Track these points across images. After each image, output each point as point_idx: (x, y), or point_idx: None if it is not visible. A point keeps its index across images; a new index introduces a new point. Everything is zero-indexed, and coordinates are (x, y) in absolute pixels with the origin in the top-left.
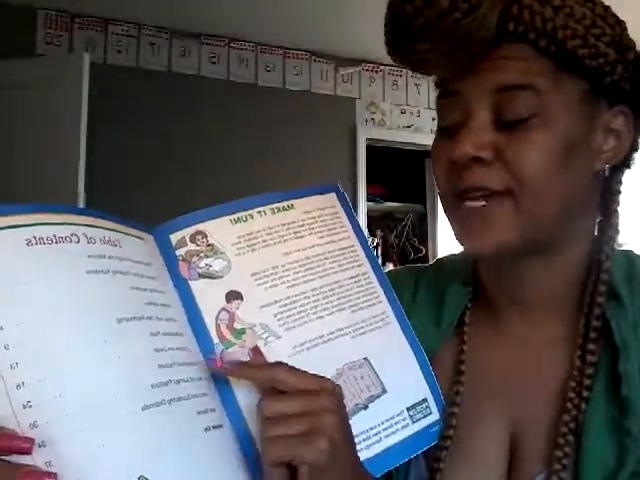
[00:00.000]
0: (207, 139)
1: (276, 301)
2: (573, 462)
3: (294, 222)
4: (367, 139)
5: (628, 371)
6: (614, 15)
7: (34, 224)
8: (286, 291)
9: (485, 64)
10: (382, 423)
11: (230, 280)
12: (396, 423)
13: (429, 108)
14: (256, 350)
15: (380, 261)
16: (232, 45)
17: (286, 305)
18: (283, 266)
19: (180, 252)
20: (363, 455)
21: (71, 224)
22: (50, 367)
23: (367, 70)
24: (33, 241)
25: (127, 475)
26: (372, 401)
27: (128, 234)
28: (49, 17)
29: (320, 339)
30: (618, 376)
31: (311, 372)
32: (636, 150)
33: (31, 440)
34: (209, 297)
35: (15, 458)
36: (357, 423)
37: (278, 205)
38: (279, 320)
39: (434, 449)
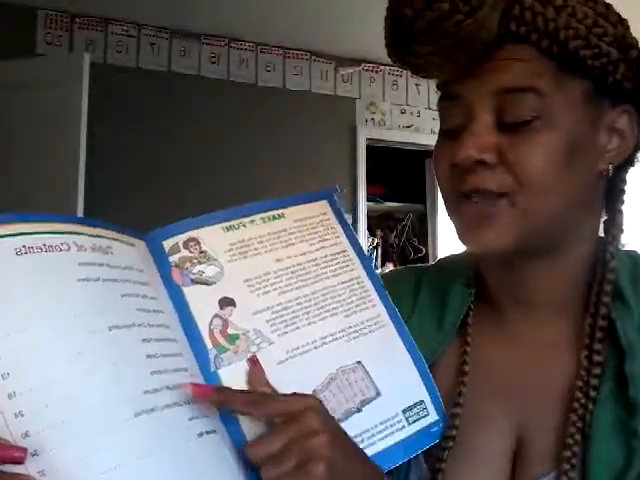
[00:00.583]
0: (207, 139)
1: (268, 307)
2: (580, 462)
3: (284, 230)
4: (367, 139)
5: (635, 373)
6: (616, 13)
7: (23, 233)
8: (278, 297)
9: (487, 66)
10: (376, 426)
11: (223, 286)
12: (391, 425)
13: (429, 108)
14: (253, 359)
15: (380, 261)
16: (232, 45)
17: (278, 311)
18: (275, 273)
19: (173, 258)
20: None
21: (61, 232)
22: (41, 376)
23: (367, 70)
24: (22, 250)
25: None
26: (366, 404)
27: (119, 240)
28: (49, 17)
29: (313, 344)
30: (625, 378)
31: (304, 377)
32: None
33: (24, 449)
34: (202, 303)
35: (8, 468)
36: (350, 426)
37: (269, 214)
38: (272, 326)
39: (436, 449)
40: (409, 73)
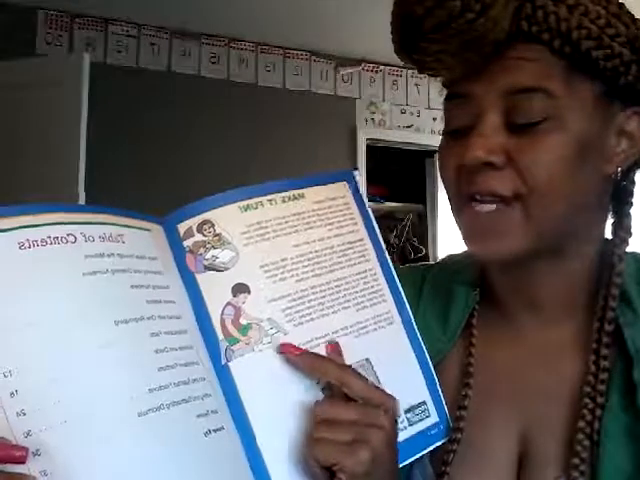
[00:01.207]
0: (207, 139)
1: (285, 295)
2: (589, 468)
3: (304, 212)
4: (367, 139)
5: None
6: (629, 13)
7: (27, 226)
8: (295, 285)
9: (497, 65)
10: None
11: (237, 272)
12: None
13: (429, 108)
14: (335, 347)
15: None
16: (232, 45)
17: (295, 300)
18: (292, 258)
19: (187, 243)
20: None
21: (67, 223)
22: (44, 375)
23: (367, 70)
24: (26, 244)
25: None
26: None
27: (133, 227)
28: (49, 17)
29: (325, 337)
30: (633, 384)
31: None
32: None
33: (25, 449)
34: (215, 291)
35: (10, 468)
36: None
37: (289, 194)
38: (287, 315)
39: (441, 452)
40: (409, 73)
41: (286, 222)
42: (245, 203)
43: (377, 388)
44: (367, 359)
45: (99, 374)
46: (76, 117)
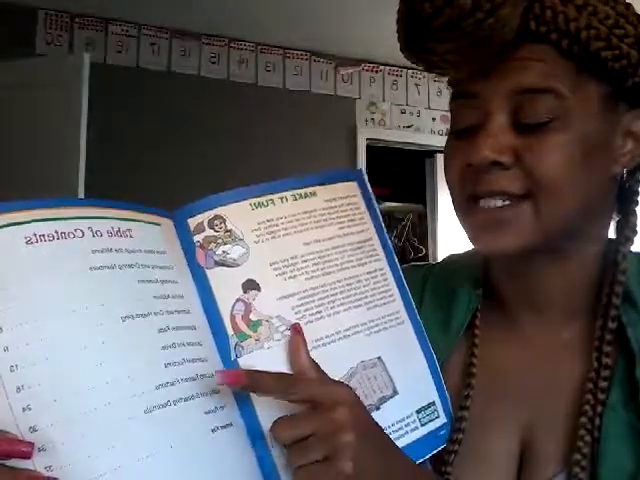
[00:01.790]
0: (207, 139)
1: (295, 293)
2: (590, 464)
3: (315, 210)
4: (367, 139)
5: None
6: (636, 14)
7: (34, 220)
8: (305, 283)
9: (505, 65)
10: (392, 425)
11: (247, 269)
12: (406, 425)
13: (429, 108)
14: (296, 328)
15: None
16: (232, 45)
17: (305, 298)
18: (302, 256)
19: (198, 238)
20: None
21: (75, 218)
22: (50, 370)
23: (367, 70)
24: (33, 239)
25: None
26: (384, 402)
27: (142, 221)
28: (49, 17)
29: (337, 335)
30: (635, 382)
31: (325, 370)
32: None
33: (31, 444)
34: (225, 286)
35: (15, 462)
36: None
37: (300, 191)
38: (297, 313)
39: (442, 453)
40: (409, 73)
41: (297, 220)
42: (256, 200)
43: (328, 380)
44: (379, 357)
45: (105, 370)
46: (76, 117)
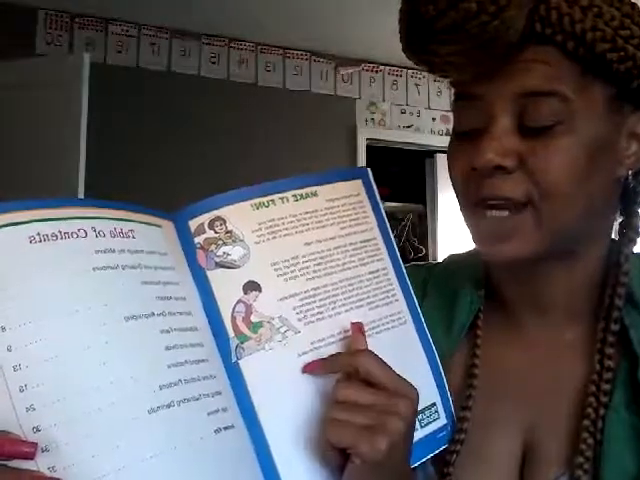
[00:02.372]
0: (207, 139)
1: (296, 293)
2: (593, 467)
3: (317, 211)
4: (367, 139)
5: None
6: None
7: (37, 220)
8: (306, 283)
9: (509, 67)
10: None
11: (248, 270)
12: None
13: (429, 108)
14: (358, 326)
15: None
16: (232, 45)
17: (306, 298)
18: (304, 257)
19: (198, 239)
20: None
21: (78, 218)
22: (54, 369)
23: (367, 70)
24: (36, 238)
25: None
26: None
27: (144, 222)
28: (49, 17)
29: (337, 336)
30: (638, 385)
31: None
32: None
33: (34, 444)
34: (226, 288)
35: (18, 463)
36: None
37: (301, 191)
38: (298, 314)
39: (444, 454)
40: (409, 73)
41: (298, 220)
42: (257, 201)
43: (399, 377)
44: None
45: (109, 370)
46: (76, 117)
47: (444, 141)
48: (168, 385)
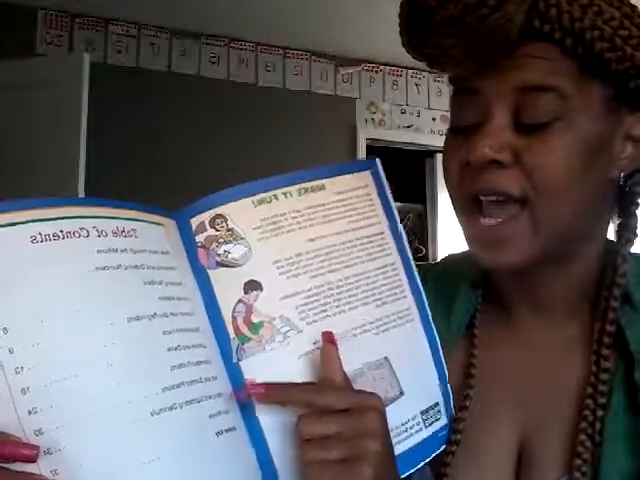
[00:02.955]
0: (207, 139)
1: (299, 292)
2: (591, 469)
3: (322, 205)
4: (367, 139)
5: None
6: None
7: (39, 220)
8: (310, 281)
9: (507, 62)
10: (397, 427)
11: (249, 268)
12: (411, 428)
13: (429, 108)
14: (329, 336)
15: None
16: (232, 45)
17: (309, 297)
18: (308, 253)
19: (200, 238)
20: None
21: (80, 217)
22: (56, 371)
23: (367, 70)
24: (38, 238)
25: None
26: (389, 404)
27: (146, 221)
28: (49, 17)
29: (342, 335)
30: (635, 385)
31: None
32: None
33: (36, 447)
34: (227, 287)
35: (20, 466)
36: None
37: (306, 185)
38: (301, 313)
39: (440, 454)
40: (409, 73)
41: (302, 215)
42: (259, 197)
43: (356, 392)
44: (386, 358)
45: (112, 372)
46: (76, 117)
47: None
48: (171, 387)
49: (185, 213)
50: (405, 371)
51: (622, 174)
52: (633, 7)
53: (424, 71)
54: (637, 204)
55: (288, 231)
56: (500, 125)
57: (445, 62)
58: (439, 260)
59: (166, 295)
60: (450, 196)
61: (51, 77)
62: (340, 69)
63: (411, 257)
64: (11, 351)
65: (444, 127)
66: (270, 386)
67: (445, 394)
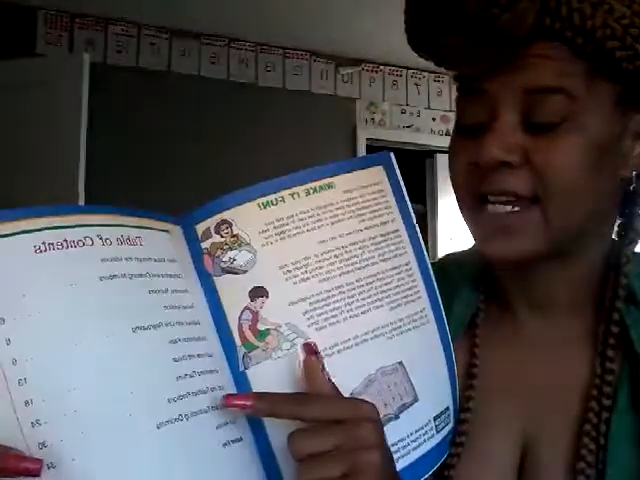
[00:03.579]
0: (207, 139)
1: (306, 297)
2: (596, 472)
3: (332, 204)
4: (367, 139)
5: None
6: None
7: (43, 229)
8: (318, 285)
9: (516, 63)
10: (411, 434)
11: (255, 275)
12: (424, 434)
13: (429, 108)
14: (310, 347)
15: None
16: (232, 45)
17: (318, 302)
18: (316, 256)
19: (205, 245)
20: None
21: (84, 225)
22: (59, 383)
23: (367, 70)
24: (42, 247)
25: None
26: (404, 410)
27: (151, 228)
28: (49, 17)
29: (353, 340)
30: None
31: (340, 378)
32: None
33: (40, 461)
34: (233, 295)
35: None
36: (387, 435)
37: (315, 185)
38: (309, 319)
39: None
40: (409, 73)
41: (310, 217)
42: (265, 199)
43: (349, 400)
44: (400, 362)
45: (117, 383)
46: (76, 117)
47: (444, 141)
48: (177, 398)
49: (191, 219)
50: (420, 376)
51: (634, 174)
52: None
53: (424, 71)
54: None
55: (295, 234)
56: (508, 125)
57: (452, 61)
58: (437, 259)
59: (172, 304)
60: (456, 195)
61: (51, 77)
62: (340, 69)
63: (426, 255)
64: (14, 362)
65: (444, 127)
66: (258, 397)
67: (454, 398)
